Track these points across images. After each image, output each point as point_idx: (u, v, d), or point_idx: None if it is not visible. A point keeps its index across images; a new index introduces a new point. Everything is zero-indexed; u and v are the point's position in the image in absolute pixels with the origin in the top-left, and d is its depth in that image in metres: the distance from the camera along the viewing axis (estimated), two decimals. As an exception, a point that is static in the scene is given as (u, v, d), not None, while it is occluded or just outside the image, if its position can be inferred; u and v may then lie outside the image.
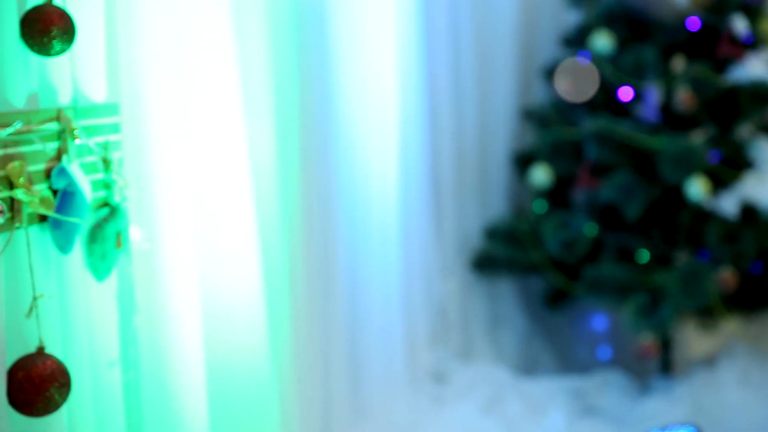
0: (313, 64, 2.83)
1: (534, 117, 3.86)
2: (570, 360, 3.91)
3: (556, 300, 3.82)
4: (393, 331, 3.39)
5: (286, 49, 2.61)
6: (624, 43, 3.62)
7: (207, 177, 2.18)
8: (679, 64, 3.63)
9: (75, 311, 1.85)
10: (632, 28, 3.65)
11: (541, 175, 3.71)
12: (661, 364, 3.67)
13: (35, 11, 1.69)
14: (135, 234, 2.00)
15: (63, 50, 1.72)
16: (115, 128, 1.97)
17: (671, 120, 3.60)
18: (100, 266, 1.90)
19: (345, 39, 3.06)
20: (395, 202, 3.39)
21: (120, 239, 1.95)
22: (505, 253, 3.78)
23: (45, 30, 1.68)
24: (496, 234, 3.83)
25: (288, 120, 2.62)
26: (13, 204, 1.66)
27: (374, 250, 3.29)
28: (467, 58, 3.82)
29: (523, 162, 3.89)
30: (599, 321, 3.93)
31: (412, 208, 3.53)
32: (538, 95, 3.97)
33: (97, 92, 1.92)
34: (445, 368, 3.67)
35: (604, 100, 3.66)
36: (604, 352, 3.88)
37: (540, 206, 3.79)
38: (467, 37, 3.82)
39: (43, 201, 1.71)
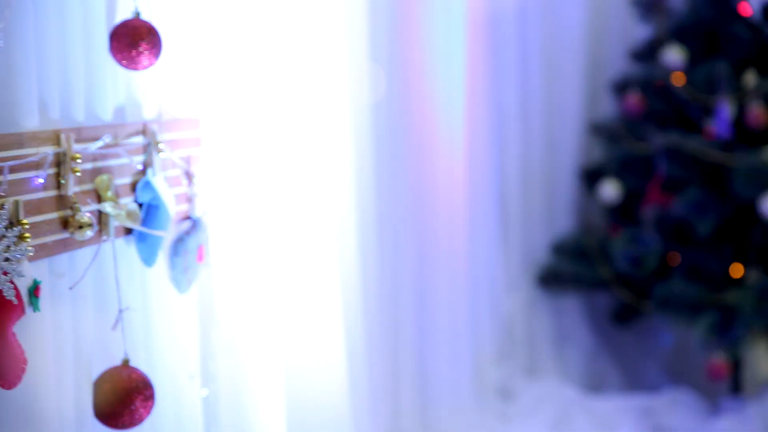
0: (387, 78, 2.82)
1: (602, 131, 3.82)
2: (637, 378, 3.86)
3: (623, 317, 3.77)
4: (460, 347, 3.36)
5: (364, 68, 2.61)
6: (695, 57, 3.57)
7: (287, 191, 2.18)
8: (751, 78, 3.58)
9: (157, 324, 1.86)
10: (704, 42, 3.60)
11: (609, 190, 3.66)
12: (731, 384, 3.61)
13: (124, 26, 1.70)
14: (215, 247, 2.00)
15: (150, 64, 1.73)
16: (196, 142, 1.97)
17: (744, 135, 3.54)
18: (182, 279, 1.91)
19: (415, 47, 3.06)
20: (462, 218, 3.37)
21: (201, 253, 1.95)
22: (572, 268, 3.74)
23: (133, 44, 1.69)
24: (562, 249, 3.79)
25: (363, 137, 2.62)
26: (100, 217, 1.67)
27: (442, 264, 3.27)
28: (534, 71, 3.80)
29: (590, 177, 3.85)
30: (667, 339, 3.87)
31: (478, 223, 3.50)
32: (606, 109, 3.93)
33: (179, 106, 1.93)
34: (510, 385, 3.64)
35: (675, 115, 3.61)
36: (673, 370, 3.82)
37: (608, 222, 3.75)
38: (535, 50, 3.80)
39: (129, 214, 1.72)
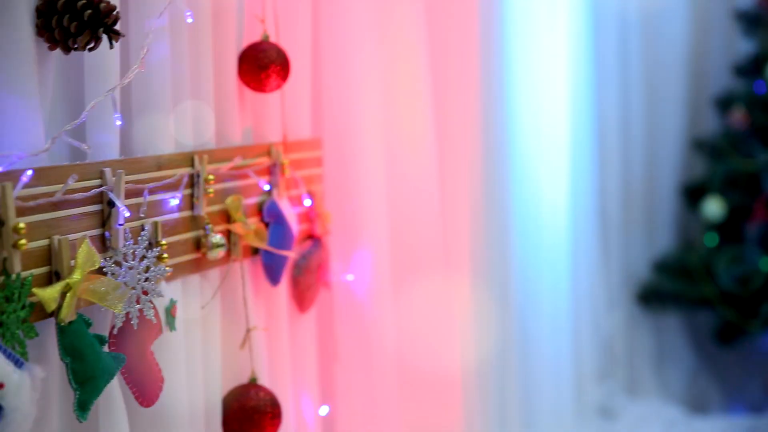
0: (492, 95, 2.82)
1: (705, 147, 3.77)
2: (741, 398, 3.78)
3: (727, 336, 3.70)
4: (561, 365, 3.34)
5: (471, 83, 2.61)
6: (802, 72, 3.51)
7: (406, 210, 2.19)
8: None
9: (280, 343, 1.88)
10: (810, 57, 3.54)
11: (713, 207, 3.61)
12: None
13: (253, 48, 1.73)
14: (337, 267, 2.02)
15: (278, 86, 1.75)
16: (318, 162, 1.99)
17: None
18: (304, 298, 1.93)
19: (520, 70, 3.05)
20: (564, 235, 3.34)
21: (322, 272, 1.97)
22: (673, 286, 3.69)
23: (263, 66, 1.71)
24: (664, 267, 3.75)
25: (476, 155, 2.63)
26: (229, 237, 1.70)
27: (544, 282, 3.25)
28: (636, 87, 3.77)
29: (692, 194, 3.80)
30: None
31: (580, 241, 3.48)
32: (709, 125, 3.87)
33: (302, 127, 1.95)
34: (611, 403, 3.60)
35: (782, 131, 3.55)
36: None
37: (711, 239, 3.68)
38: (636, 66, 3.77)
39: (257, 234, 1.74)
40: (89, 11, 1.32)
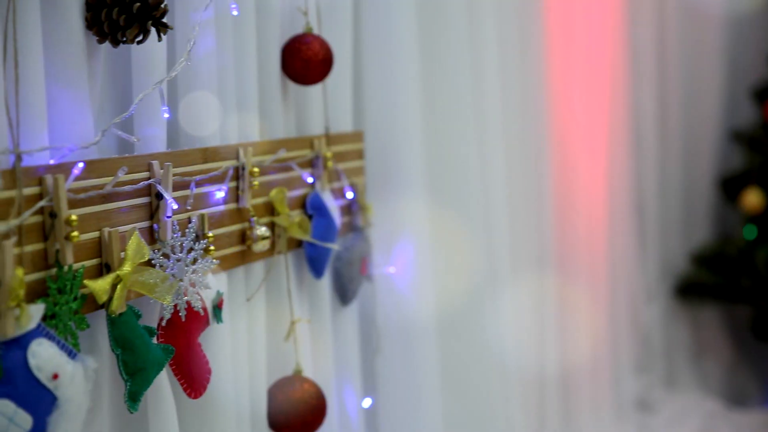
0: (531, 85, 2.81)
1: (743, 139, 3.74)
2: (780, 392, 3.76)
3: (765, 329, 3.67)
4: (599, 358, 3.32)
5: (512, 78, 2.60)
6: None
7: (447, 201, 2.19)
8: None
9: (322, 335, 1.88)
10: None
11: (752, 199, 3.57)
12: None
13: (297, 41, 1.73)
14: (379, 259, 2.02)
15: (321, 78, 1.75)
16: (359, 154, 1.99)
17: None
18: (346, 290, 1.93)
19: (556, 61, 3.03)
20: (602, 228, 3.32)
21: (364, 264, 1.97)
22: (712, 279, 3.67)
23: (306, 59, 1.72)
24: (702, 260, 3.72)
25: (512, 148, 2.62)
26: (273, 230, 1.70)
27: (581, 275, 3.23)
28: (673, 78, 3.74)
29: (730, 185, 3.77)
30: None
31: (617, 233, 3.45)
32: (747, 116, 3.84)
33: (344, 119, 1.96)
34: (649, 397, 3.58)
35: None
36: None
37: (750, 232, 3.65)
38: (673, 57, 3.74)
39: (301, 226, 1.74)
40: (138, 4, 1.33)
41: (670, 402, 3.54)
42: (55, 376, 1.17)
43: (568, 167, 3.10)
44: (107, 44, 1.35)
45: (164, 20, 1.36)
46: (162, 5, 1.35)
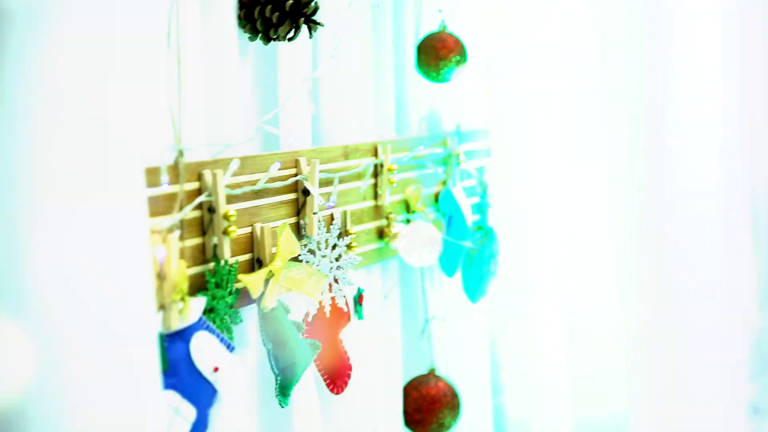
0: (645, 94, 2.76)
1: None
2: None
3: None
4: (712, 364, 3.25)
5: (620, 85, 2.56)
6: None
7: (572, 203, 2.16)
8: None
9: (454, 333, 1.87)
10: None
11: None
12: None
13: (432, 38, 1.73)
14: (506, 257, 2.01)
15: (455, 76, 1.75)
16: (488, 153, 1.99)
17: None
18: (475, 289, 1.92)
19: (674, 63, 2.98)
20: (714, 231, 3.25)
21: (493, 263, 1.96)
22: (828, 283, 3.57)
23: (443, 56, 1.71)
24: (817, 263, 3.62)
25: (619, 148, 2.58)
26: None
27: (694, 280, 3.17)
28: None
29: None
30: None
31: (730, 237, 3.38)
32: None
33: (474, 118, 1.95)
34: (763, 403, 3.49)
35: None
36: None
37: None
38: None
39: (435, 224, 1.74)
40: (291, 2, 1.34)
41: (785, 408, 3.46)
42: (216, 369, 1.19)
43: (681, 168, 3.04)
44: (256, 42, 1.37)
45: (315, 17, 1.37)
46: (313, 2, 1.36)
